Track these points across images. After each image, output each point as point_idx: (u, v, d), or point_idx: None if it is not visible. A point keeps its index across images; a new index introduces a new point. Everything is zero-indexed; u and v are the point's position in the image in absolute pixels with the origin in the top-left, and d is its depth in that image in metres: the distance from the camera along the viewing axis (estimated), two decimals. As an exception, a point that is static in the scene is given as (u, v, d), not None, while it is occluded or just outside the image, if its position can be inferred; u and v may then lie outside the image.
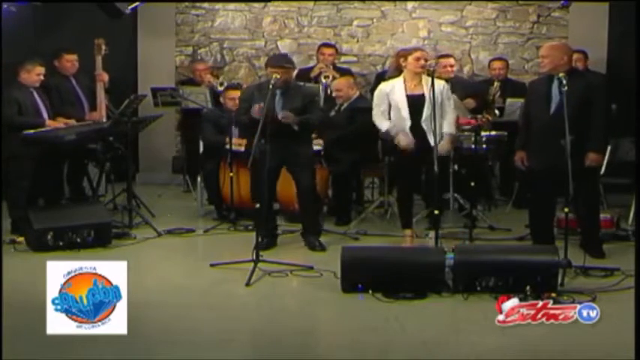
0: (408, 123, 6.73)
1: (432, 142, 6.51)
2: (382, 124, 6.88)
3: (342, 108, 8.13)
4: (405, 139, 6.71)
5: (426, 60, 6.81)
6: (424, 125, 6.71)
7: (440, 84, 6.83)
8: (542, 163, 6.46)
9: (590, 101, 6.41)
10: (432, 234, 6.85)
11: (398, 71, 6.96)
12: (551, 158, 6.24)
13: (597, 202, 6.87)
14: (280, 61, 7.03)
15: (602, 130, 6.49)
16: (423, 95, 6.72)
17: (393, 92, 6.80)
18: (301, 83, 7.77)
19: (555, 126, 6.14)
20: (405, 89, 6.77)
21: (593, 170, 6.56)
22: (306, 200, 7.01)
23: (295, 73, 7.58)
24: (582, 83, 6.46)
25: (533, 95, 6.71)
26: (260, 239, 6.39)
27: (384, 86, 6.91)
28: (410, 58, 6.80)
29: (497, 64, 9.11)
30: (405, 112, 6.73)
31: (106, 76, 8.08)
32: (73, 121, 7.59)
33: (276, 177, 6.94)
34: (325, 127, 7.86)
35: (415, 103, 6.71)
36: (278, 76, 6.65)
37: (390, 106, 6.83)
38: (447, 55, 8.84)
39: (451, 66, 8.55)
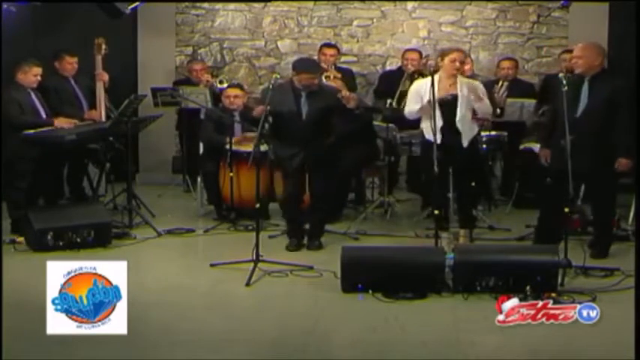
0: (440, 123, 6.57)
1: (465, 142, 6.67)
2: (414, 107, 6.83)
3: None
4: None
5: (462, 62, 6.81)
6: (459, 125, 6.71)
7: (473, 83, 6.85)
8: (562, 163, 6.21)
9: (616, 104, 6.31)
10: (462, 232, 6.97)
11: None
12: (574, 159, 6.09)
13: (613, 205, 6.76)
14: (313, 67, 7.09)
15: (631, 134, 6.31)
16: (455, 96, 6.70)
17: (426, 91, 6.69)
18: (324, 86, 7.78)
19: (580, 128, 6.12)
20: (439, 89, 6.65)
21: (613, 173, 6.45)
22: (322, 203, 7.00)
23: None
24: (610, 85, 6.37)
25: (560, 94, 6.29)
26: (291, 240, 6.83)
27: (419, 84, 6.89)
28: (446, 60, 6.78)
29: (506, 64, 9.02)
30: (437, 112, 6.54)
31: (106, 76, 8.09)
32: (74, 121, 7.60)
33: (302, 178, 6.94)
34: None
35: (448, 103, 6.68)
36: (278, 76, 6.72)
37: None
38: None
39: (466, 65, 8.55)
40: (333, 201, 7.29)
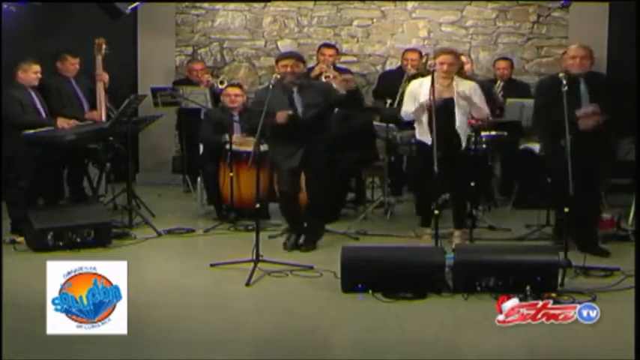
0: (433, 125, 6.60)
1: (463, 144, 6.66)
2: (408, 109, 6.82)
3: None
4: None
5: (450, 65, 6.69)
6: (459, 130, 6.71)
7: (469, 85, 6.80)
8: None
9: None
10: (457, 232, 6.97)
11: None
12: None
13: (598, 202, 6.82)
14: (291, 53, 7.17)
15: None
16: (452, 99, 6.66)
17: (420, 93, 6.72)
18: (314, 81, 7.77)
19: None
20: (433, 92, 6.59)
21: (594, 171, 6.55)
22: (318, 201, 6.98)
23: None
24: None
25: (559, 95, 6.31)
26: (288, 237, 6.86)
27: (414, 85, 6.90)
28: (437, 62, 6.76)
29: (502, 64, 9.07)
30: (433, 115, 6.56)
31: (106, 76, 8.08)
32: (74, 121, 7.60)
33: (298, 177, 6.92)
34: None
35: (444, 107, 6.64)
36: (278, 76, 6.69)
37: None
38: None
39: (466, 64, 8.55)
40: (329, 200, 7.25)
